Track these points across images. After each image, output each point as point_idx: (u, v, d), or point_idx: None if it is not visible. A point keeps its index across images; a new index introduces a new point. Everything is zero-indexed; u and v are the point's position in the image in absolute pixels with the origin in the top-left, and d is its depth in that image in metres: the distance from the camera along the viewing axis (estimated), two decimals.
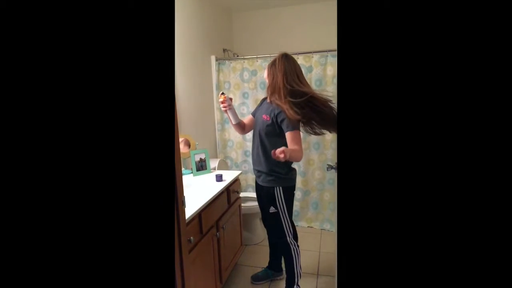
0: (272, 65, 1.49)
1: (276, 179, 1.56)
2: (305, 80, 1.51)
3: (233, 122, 1.64)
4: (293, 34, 3.12)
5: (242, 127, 1.73)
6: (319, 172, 2.62)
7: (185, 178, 1.86)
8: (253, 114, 1.71)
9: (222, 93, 1.54)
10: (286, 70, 1.45)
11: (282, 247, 1.69)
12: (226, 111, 1.59)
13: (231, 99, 1.59)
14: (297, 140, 1.46)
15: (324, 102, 1.46)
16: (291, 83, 1.45)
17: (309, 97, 1.44)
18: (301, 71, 1.50)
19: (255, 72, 2.64)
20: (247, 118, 1.76)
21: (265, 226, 1.87)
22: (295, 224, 2.60)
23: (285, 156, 1.28)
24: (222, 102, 1.54)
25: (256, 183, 1.72)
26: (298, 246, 1.68)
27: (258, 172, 1.64)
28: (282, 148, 1.29)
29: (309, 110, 1.44)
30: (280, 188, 1.57)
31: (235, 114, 1.62)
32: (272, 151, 1.31)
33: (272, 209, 1.60)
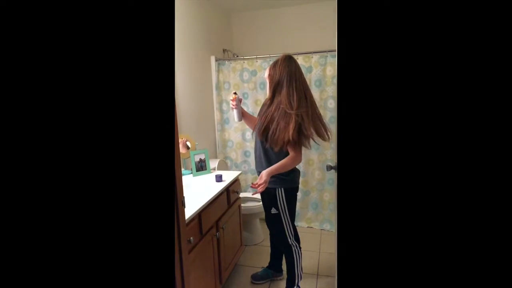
0: (273, 66, 1.49)
1: (278, 180, 1.56)
2: (304, 83, 1.49)
3: (236, 120, 1.72)
4: (293, 34, 3.12)
5: (253, 123, 1.77)
6: (319, 172, 2.62)
7: (185, 178, 1.86)
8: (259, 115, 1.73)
9: (235, 93, 1.65)
10: (283, 75, 1.45)
11: (283, 249, 1.69)
12: (232, 109, 1.68)
13: (241, 100, 1.69)
14: (293, 146, 1.47)
15: (283, 121, 1.43)
16: (284, 97, 1.45)
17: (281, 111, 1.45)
18: (301, 75, 1.49)
19: (255, 72, 2.64)
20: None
21: (268, 227, 1.87)
22: (295, 224, 2.60)
23: (264, 184, 1.48)
24: (233, 100, 1.64)
25: None
26: (300, 248, 1.68)
27: (260, 174, 1.64)
28: (262, 178, 1.48)
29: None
30: (282, 189, 1.57)
31: (239, 114, 1.70)
32: (253, 188, 1.50)
33: (273, 210, 1.60)
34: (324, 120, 1.53)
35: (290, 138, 1.39)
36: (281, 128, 1.42)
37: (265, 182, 1.47)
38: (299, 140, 1.43)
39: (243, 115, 1.72)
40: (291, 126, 1.39)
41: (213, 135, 2.80)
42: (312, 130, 1.45)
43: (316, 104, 1.53)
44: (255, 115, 2.62)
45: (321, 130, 1.49)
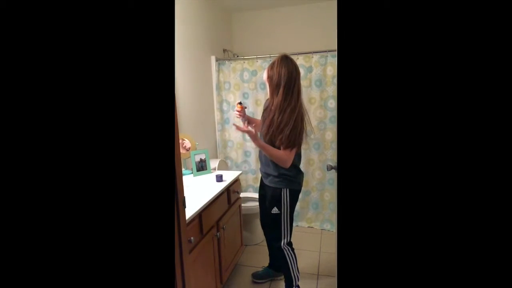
0: (271, 68, 1.49)
1: (284, 180, 1.56)
2: (299, 85, 1.50)
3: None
4: (293, 34, 3.12)
5: (258, 126, 1.79)
6: (319, 172, 2.62)
7: (185, 178, 1.86)
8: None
9: (240, 103, 1.65)
10: (281, 76, 1.45)
11: (276, 252, 1.68)
12: (238, 117, 1.69)
13: (245, 107, 1.70)
14: (285, 148, 1.49)
15: (271, 119, 1.49)
16: (279, 98, 1.47)
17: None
18: (298, 74, 1.49)
19: (255, 73, 2.64)
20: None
21: (263, 227, 1.86)
22: (295, 224, 2.61)
23: (247, 132, 1.44)
24: (238, 111, 1.64)
25: (262, 183, 1.72)
26: (293, 249, 1.67)
27: (265, 174, 1.64)
28: (253, 132, 1.44)
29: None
30: (288, 190, 1.57)
31: (245, 122, 1.72)
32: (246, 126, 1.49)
33: (274, 210, 1.59)
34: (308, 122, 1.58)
35: (277, 141, 1.47)
36: (275, 128, 1.48)
37: (249, 132, 1.45)
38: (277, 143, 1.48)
39: (248, 121, 1.73)
40: (276, 132, 1.46)
41: (213, 135, 2.80)
42: (300, 135, 1.49)
43: (305, 108, 1.55)
44: (256, 116, 2.63)
45: (300, 134, 1.52)
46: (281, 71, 1.45)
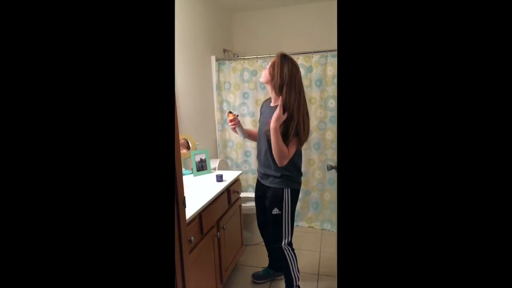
0: (272, 68, 1.48)
1: (286, 181, 1.56)
2: (300, 83, 1.50)
3: (243, 138, 1.70)
4: (293, 34, 3.12)
5: (254, 138, 1.78)
6: (320, 172, 2.62)
7: (185, 178, 1.86)
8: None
9: (230, 112, 1.61)
10: (283, 75, 1.45)
11: (277, 252, 1.67)
12: (234, 128, 1.65)
13: (237, 115, 1.66)
14: (291, 146, 1.50)
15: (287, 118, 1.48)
16: (283, 97, 1.47)
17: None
18: (298, 72, 1.49)
19: (255, 72, 2.65)
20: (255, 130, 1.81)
21: (261, 229, 1.86)
22: (295, 224, 2.61)
23: (276, 123, 1.43)
24: (231, 121, 1.61)
25: (259, 184, 1.71)
26: (293, 250, 1.66)
27: (265, 175, 1.63)
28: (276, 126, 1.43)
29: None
30: (289, 190, 1.57)
31: (242, 130, 1.68)
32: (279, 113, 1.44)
33: (275, 211, 1.59)
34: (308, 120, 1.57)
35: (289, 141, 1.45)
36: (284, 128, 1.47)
37: (280, 107, 1.43)
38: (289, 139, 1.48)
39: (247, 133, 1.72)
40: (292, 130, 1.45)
41: (213, 135, 2.80)
42: (302, 130, 1.48)
43: (307, 104, 1.55)
44: (256, 115, 2.63)
45: (307, 130, 1.52)
46: (282, 70, 1.45)
